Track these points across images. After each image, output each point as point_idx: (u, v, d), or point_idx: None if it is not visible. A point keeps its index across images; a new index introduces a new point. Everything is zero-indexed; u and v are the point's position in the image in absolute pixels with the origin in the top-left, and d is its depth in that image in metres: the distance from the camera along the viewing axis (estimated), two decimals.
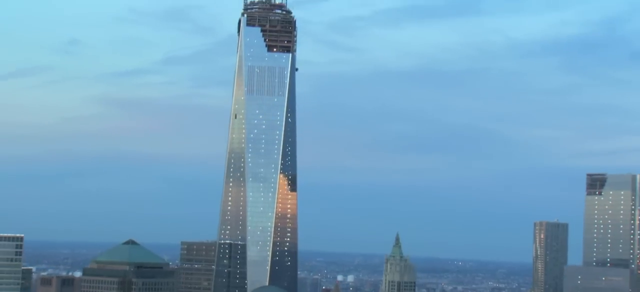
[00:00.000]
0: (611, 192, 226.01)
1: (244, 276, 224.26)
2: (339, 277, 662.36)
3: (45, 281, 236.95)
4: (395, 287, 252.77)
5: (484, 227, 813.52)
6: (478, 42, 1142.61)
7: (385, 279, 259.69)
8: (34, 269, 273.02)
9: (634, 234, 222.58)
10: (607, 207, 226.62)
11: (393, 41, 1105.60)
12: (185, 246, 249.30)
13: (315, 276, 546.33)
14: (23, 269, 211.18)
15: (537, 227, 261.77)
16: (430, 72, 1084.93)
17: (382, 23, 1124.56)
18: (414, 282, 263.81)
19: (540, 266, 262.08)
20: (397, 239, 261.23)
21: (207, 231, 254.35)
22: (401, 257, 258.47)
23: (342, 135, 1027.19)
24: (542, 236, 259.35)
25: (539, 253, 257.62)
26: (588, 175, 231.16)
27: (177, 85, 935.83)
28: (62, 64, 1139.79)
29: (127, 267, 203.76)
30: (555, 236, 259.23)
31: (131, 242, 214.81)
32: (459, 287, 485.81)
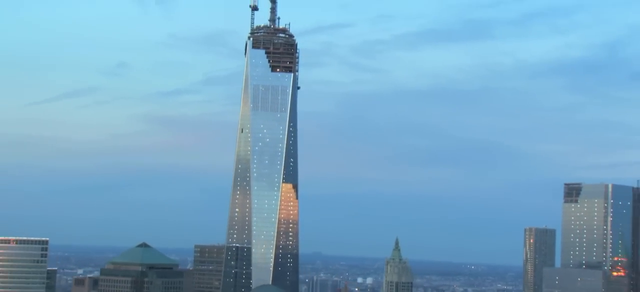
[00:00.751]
0: (586, 201, 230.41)
1: (249, 277, 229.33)
2: (359, 280, 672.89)
3: (79, 282, 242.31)
4: (394, 287, 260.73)
5: (494, 233, 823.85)
6: (489, 63, 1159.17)
7: (386, 280, 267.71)
8: (58, 269, 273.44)
9: (606, 239, 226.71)
10: (582, 214, 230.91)
11: (411, 63, 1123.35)
12: (198, 249, 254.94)
13: (336, 278, 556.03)
14: (48, 270, 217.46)
15: (527, 233, 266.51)
16: (445, 91, 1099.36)
17: (401, 46, 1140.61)
18: (411, 283, 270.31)
19: (529, 268, 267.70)
20: (397, 243, 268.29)
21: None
22: (400, 259, 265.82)
23: (364, 149, 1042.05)
24: (531, 241, 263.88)
25: (528, 256, 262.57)
26: (565, 185, 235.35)
27: (214, 104, 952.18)
28: (111, 85, 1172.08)
29: (140, 268, 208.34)
30: (543, 240, 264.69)
31: (144, 245, 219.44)
32: (470, 289, 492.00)
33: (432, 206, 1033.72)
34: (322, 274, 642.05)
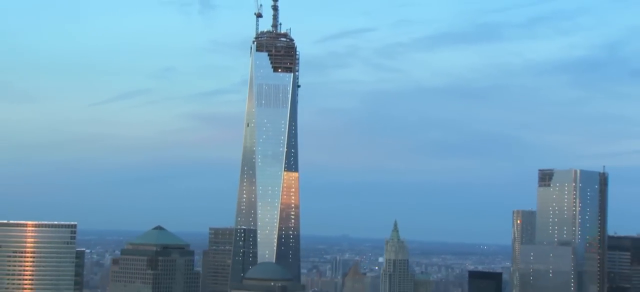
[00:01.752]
0: (557, 184, 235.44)
1: (255, 255, 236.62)
2: (380, 259, 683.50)
3: (115, 261, 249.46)
4: (392, 264, 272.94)
5: (505, 216, 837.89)
6: (499, 63, 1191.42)
7: (385, 258, 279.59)
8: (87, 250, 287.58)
9: (575, 219, 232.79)
10: (554, 197, 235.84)
11: (428, 63, 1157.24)
12: (213, 231, 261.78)
13: (358, 258, 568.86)
14: (77, 251, 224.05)
15: (514, 215, 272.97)
16: (460, 88, 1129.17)
17: (419, 48, 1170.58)
18: (407, 260, 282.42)
19: (516, 246, 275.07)
20: (395, 225, 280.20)
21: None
22: (398, 240, 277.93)
23: (387, 141, 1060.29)
24: (518, 222, 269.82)
25: (516, 236, 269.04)
26: (539, 170, 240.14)
27: (249, 103, 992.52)
28: (159, 87, 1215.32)
29: (155, 248, 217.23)
30: (529, 221, 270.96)
31: (159, 228, 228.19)
32: (480, 266, 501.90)
33: (448, 192, 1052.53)
34: (347, 255, 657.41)
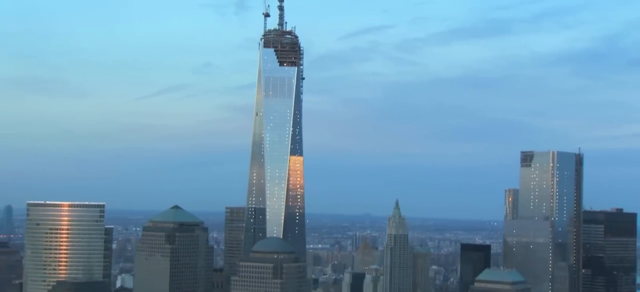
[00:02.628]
0: (537, 165, 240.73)
1: (264, 232, 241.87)
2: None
3: None
4: (393, 239, 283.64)
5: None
6: (508, 55, 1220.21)
7: (387, 233, 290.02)
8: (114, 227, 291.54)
9: (553, 197, 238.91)
10: (534, 176, 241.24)
11: (443, 56, 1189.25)
12: (229, 210, 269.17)
13: (376, 234, 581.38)
14: (105, 228, 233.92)
15: (506, 193, 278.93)
16: (472, 79, 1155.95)
17: (435, 43, 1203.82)
18: (407, 235, 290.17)
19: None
20: (397, 203, 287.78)
21: None
22: (399, 216, 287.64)
23: (406, 128, 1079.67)
24: (510, 199, 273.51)
25: (507, 212, 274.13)
26: (521, 152, 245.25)
27: None
28: (199, 82, 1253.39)
29: (172, 225, 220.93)
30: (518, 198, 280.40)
31: (176, 207, 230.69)
32: (488, 241, 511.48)
33: (462, 174, 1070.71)
34: (367, 231, 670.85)
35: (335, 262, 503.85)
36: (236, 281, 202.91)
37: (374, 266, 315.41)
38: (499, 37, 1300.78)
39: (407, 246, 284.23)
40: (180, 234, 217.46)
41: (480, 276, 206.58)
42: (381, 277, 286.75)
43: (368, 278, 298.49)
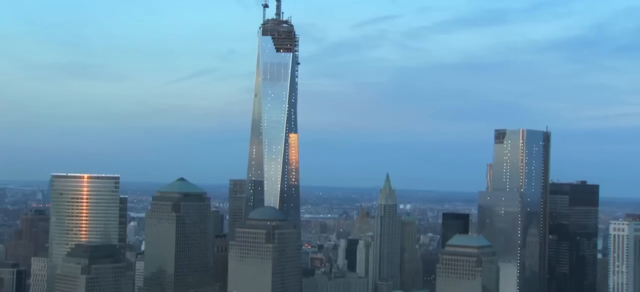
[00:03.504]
0: (509, 141, 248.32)
1: (262, 202, 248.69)
2: (401, 206, 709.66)
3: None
4: (383, 208, 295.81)
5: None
6: (506, 42, 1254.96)
7: (379, 204, 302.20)
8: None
9: (522, 171, 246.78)
10: (507, 152, 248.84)
11: (446, 43, 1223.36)
12: (232, 182, 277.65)
13: (374, 203, 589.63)
14: (120, 198, 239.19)
15: (488, 167, 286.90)
16: (473, 64, 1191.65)
17: (439, 30, 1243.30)
18: (395, 205, 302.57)
19: None
20: (387, 176, 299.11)
21: None
22: (389, 188, 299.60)
23: (412, 108, 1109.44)
24: (491, 173, 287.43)
25: (488, 185, 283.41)
26: (495, 130, 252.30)
27: (301, 77, 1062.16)
28: (224, 67, 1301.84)
29: (177, 195, 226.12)
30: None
31: (181, 179, 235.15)
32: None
33: (462, 151, 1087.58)
34: (374, 202, 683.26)
35: (341, 230, 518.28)
36: (233, 245, 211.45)
37: (370, 233, 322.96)
38: (497, 26, 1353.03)
39: (395, 215, 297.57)
40: (185, 203, 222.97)
41: (451, 241, 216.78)
42: (372, 242, 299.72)
43: (361, 244, 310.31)
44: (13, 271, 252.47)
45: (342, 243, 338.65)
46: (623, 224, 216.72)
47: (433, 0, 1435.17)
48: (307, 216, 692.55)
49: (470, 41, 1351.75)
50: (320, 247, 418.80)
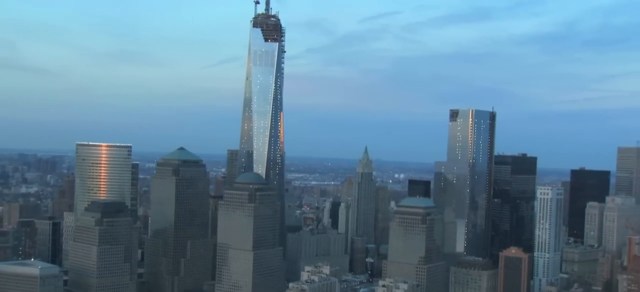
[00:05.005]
0: (461, 120, 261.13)
1: (252, 169, 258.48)
2: (396, 175, 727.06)
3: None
4: (360, 176, 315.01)
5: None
6: (491, 36, 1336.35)
7: (357, 171, 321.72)
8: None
9: (472, 146, 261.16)
10: (459, 128, 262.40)
11: (439, 36, 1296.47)
12: (229, 152, 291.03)
13: (375, 172, 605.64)
14: (132, 164, 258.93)
15: None
16: (463, 54, 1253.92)
17: (433, 25, 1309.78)
18: (371, 173, 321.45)
19: None
20: (366, 149, 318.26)
21: None
22: (367, 159, 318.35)
23: (410, 93, 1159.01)
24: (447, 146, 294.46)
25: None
26: (450, 110, 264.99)
27: (314, 65, 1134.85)
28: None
29: (177, 162, 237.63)
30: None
31: (181, 148, 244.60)
32: None
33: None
34: (374, 173, 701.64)
35: (338, 195, 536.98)
36: (222, 204, 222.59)
37: (350, 197, 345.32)
38: (483, 22, 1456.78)
39: (371, 181, 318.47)
40: (183, 168, 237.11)
41: (401, 202, 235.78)
42: (351, 204, 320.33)
43: (342, 205, 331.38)
44: (49, 223, 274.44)
45: (327, 205, 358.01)
46: (547, 189, 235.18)
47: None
48: (313, 182, 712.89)
49: (461, 35, 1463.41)
50: (317, 207, 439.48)
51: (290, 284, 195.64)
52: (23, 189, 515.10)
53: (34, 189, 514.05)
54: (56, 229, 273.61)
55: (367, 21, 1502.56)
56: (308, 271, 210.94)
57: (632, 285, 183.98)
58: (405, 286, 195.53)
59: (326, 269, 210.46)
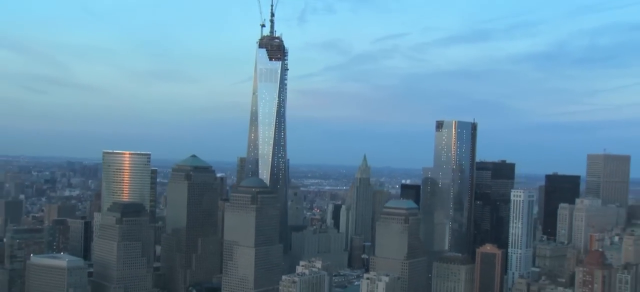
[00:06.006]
0: (446, 130, 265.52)
1: (258, 174, 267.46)
2: (403, 181, 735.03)
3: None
4: (359, 181, 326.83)
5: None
6: (490, 55, 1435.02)
7: (356, 176, 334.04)
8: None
9: (455, 153, 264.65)
10: (444, 137, 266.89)
11: (444, 55, 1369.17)
12: (239, 159, 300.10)
13: (382, 179, 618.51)
14: (151, 170, 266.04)
15: None
16: (464, 71, 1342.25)
17: (438, 45, 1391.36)
18: (368, 178, 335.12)
19: None
20: (364, 156, 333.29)
21: None
22: (366, 165, 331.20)
23: (417, 105, 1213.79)
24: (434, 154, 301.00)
25: None
26: (436, 121, 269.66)
27: (332, 81, 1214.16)
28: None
29: (189, 168, 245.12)
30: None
31: (193, 156, 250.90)
32: None
33: None
34: (383, 178, 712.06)
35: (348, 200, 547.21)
36: (228, 205, 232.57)
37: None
38: (482, 42, 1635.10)
39: (368, 186, 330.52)
40: (194, 174, 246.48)
41: (387, 204, 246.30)
42: (351, 207, 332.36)
43: (343, 208, 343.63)
44: (82, 222, 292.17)
45: (330, 207, 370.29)
46: (520, 192, 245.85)
47: (434, 22, 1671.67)
48: (327, 187, 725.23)
49: (462, 54, 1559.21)
50: (325, 210, 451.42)
51: (284, 277, 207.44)
52: (67, 192, 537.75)
53: (76, 193, 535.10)
54: (87, 227, 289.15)
55: (378, 42, 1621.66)
56: (303, 265, 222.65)
57: (587, 276, 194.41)
58: (386, 279, 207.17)
59: (318, 264, 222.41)
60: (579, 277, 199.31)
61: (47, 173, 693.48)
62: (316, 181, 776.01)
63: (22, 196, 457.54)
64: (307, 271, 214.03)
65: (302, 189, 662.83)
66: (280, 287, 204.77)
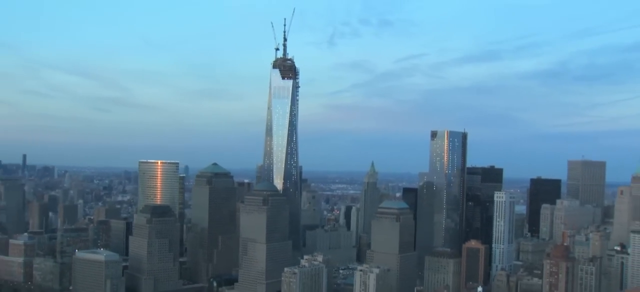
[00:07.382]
0: (439, 139, 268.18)
1: (272, 180, 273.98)
2: (404, 185, 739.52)
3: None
4: (366, 185, 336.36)
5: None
6: (500, 72, 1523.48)
7: (364, 181, 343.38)
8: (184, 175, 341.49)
9: (447, 161, 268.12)
10: (437, 146, 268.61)
11: (458, 73, 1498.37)
12: (258, 166, 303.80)
13: (391, 182, 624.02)
14: (179, 177, 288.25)
15: None
16: (477, 87, 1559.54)
17: (453, 64, 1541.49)
18: (376, 182, 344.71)
19: None
20: (372, 163, 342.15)
21: None
22: (373, 171, 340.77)
23: (435, 119, 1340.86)
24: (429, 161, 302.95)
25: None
26: (431, 131, 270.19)
27: (359, 97, 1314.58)
28: (308, 90, 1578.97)
29: (210, 174, 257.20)
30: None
31: (214, 164, 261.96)
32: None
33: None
34: (403, 182, 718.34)
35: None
36: (243, 207, 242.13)
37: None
38: (493, 61, 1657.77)
39: (375, 188, 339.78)
40: (215, 179, 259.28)
41: (381, 205, 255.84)
42: (360, 208, 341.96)
43: (354, 209, 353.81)
44: (124, 222, 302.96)
45: (342, 208, 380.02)
46: (502, 194, 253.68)
47: (449, 44, 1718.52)
48: (351, 191, 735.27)
49: (476, 71, 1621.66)
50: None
51: (286, 269, 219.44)
52: (120, 198, 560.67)
53: (127, 198, 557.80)
54: (128, 227, 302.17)
55: (400, 62, 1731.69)
56: (306, 259, 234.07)
57: (553, 267, 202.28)
58: (377, 271, 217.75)
59: (320, 258, 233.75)
60: (546, 268, 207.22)
61: (106, 181, 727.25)
62: (343, 185, 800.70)
63: (80, 201, 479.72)
64: (306, 264, 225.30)
65: (327, 193, 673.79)
66: (282, 278, 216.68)
